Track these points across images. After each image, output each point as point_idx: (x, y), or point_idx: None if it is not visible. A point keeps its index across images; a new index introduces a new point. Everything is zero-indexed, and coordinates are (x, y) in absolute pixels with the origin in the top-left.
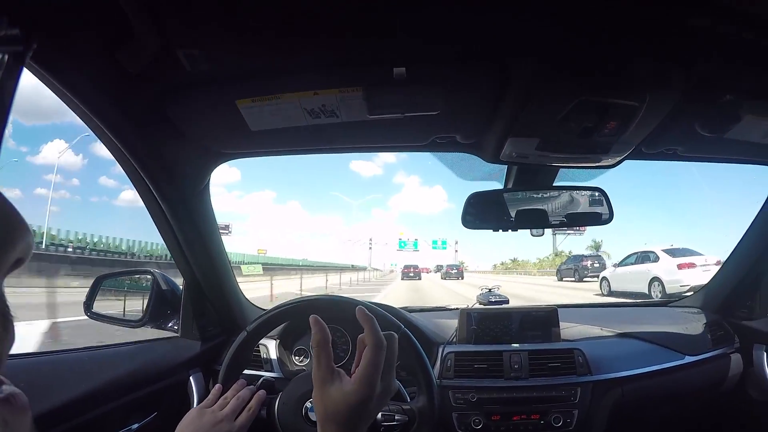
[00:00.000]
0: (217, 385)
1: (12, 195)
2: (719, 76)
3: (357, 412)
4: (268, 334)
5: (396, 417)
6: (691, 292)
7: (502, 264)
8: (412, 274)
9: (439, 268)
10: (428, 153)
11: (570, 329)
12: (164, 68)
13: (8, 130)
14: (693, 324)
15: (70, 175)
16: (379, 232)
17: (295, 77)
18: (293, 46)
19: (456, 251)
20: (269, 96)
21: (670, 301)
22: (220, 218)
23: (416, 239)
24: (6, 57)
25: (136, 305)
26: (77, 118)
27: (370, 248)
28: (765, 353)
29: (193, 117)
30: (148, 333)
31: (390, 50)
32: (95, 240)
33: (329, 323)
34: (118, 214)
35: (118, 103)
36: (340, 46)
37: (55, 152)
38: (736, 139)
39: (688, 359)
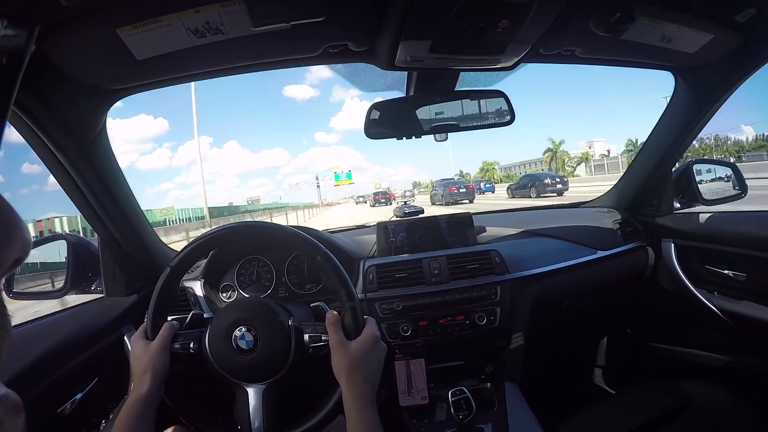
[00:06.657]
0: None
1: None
2: None
3: (370, 358)
4: (193, 276)
5: (322, 337)
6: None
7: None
8: (383, 200)
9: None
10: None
11: (486, 233)
12: (40, 6)
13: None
14: (604, 222)
15: None
16: (325, 159)
17: None
18: None
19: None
20: (150, 19)
21: (583, 202)
22: (158, 176)
23: (350, 170)
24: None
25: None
26: None
27: (318, 186)
28: (672, 245)
29: (76, 55)
30: (77, 300)
31: None
32: None
33: (252, 254)
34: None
35: None
36: None
37: None
38: (634, 41)
39: (600, 254)
